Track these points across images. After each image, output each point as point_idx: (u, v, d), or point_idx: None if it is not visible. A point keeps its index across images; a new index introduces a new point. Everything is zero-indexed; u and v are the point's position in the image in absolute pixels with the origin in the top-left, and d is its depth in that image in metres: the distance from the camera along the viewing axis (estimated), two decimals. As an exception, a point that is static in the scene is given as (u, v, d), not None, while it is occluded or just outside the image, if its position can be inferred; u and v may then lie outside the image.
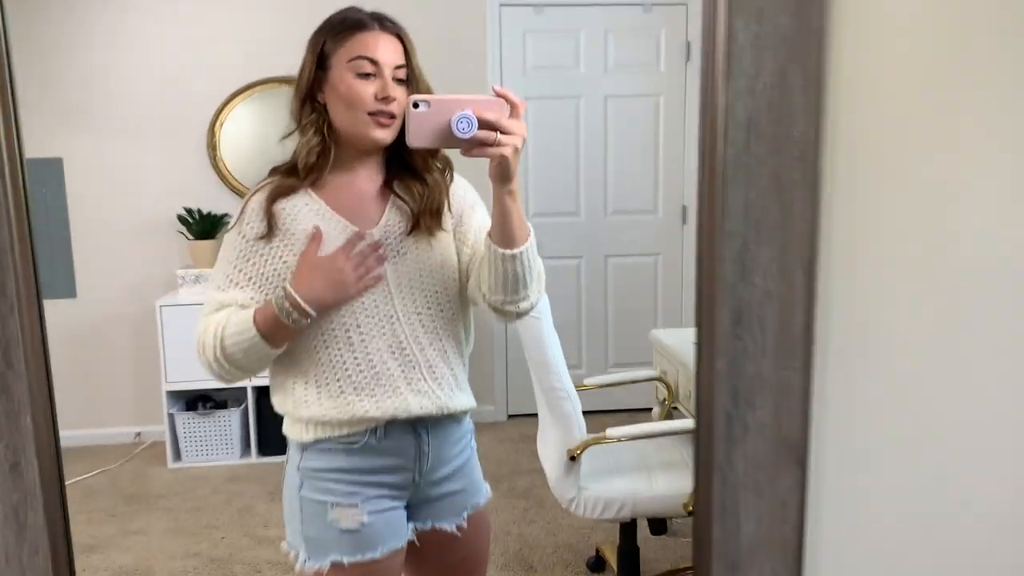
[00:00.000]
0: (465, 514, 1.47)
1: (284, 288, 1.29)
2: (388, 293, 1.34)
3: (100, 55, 3.76)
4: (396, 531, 1.40)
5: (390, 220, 1.36)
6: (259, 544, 2.91)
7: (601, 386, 2.48)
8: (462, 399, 1.42)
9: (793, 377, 0.72)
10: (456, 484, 1.46)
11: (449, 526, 1.45)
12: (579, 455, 2.06)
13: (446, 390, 1.39)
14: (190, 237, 3.76)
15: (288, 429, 1.39)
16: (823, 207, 0.74)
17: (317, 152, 1.33)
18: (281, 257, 1.34)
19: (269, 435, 3.67)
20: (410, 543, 1.44)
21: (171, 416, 3.66)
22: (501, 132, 1.17)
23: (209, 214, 3.77)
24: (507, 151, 1.18)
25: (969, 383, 0.86)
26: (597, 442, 2.07)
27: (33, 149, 3.76)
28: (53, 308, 3.89)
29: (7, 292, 0.63)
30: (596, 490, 2.09)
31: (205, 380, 3.70)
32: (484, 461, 1.55)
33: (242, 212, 1.36)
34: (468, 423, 1.50)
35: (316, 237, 1.32)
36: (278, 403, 1.39)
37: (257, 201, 1.35)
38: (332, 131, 1.34)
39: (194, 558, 2.84)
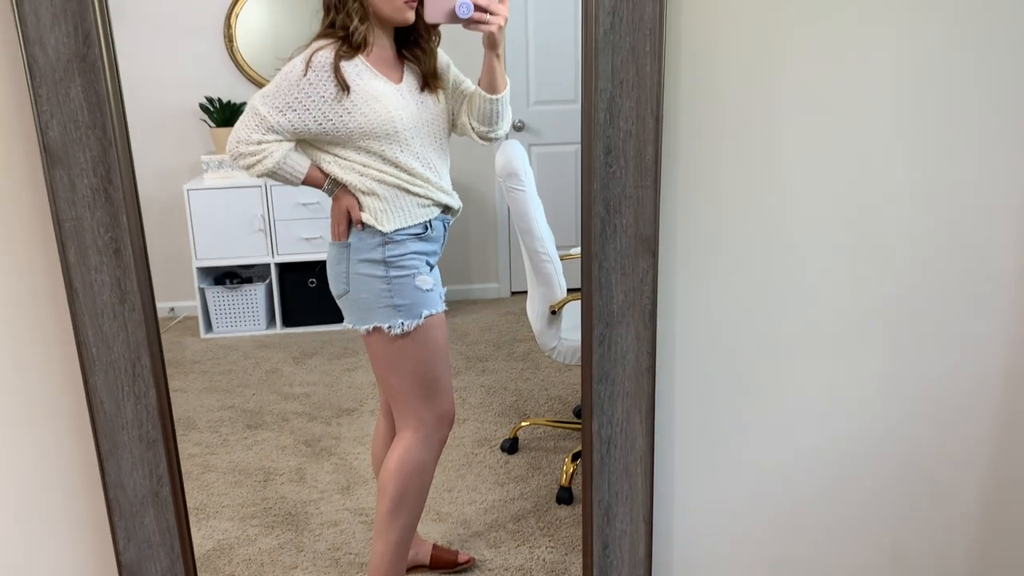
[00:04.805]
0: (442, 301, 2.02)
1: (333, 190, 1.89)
2: (419, 134, 1.85)
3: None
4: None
5: (408, 78, 1.87)
6: (286, 399, 3.28)
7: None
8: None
9: (647, 192, 0.99)
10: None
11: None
12: (559, 310, 2.36)
13: (455, 194, 1.97)
14: (212, 125, 4.00)
15: (371, 225, 1.85)
16: (668, 69, 1.01)
17: (363, 31, 1.76)
18: (357, 108, 1.77)
19: (292, 308, 4.01)
20: None
21: (202, 290, 3.99)
22: (490, 13, 1.65)
23: (229, 103, 3.99)
24: (494, 28, 1.69)
25: (795, 185, 1.18)
26: (575, 299, 2.36)
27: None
28: (88, 193, 4.16)
29: (107, 130, 0.90)
30: (574, 339, 2.40)
31: (232, 257, 4.03)
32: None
33: (308, 62, 1.75)
34: None
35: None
36: (366, 218, 1.85)
37: (326, 60, 1.75)
38: (366, 11, 1.76)
39: (229, 410, 3.23)
